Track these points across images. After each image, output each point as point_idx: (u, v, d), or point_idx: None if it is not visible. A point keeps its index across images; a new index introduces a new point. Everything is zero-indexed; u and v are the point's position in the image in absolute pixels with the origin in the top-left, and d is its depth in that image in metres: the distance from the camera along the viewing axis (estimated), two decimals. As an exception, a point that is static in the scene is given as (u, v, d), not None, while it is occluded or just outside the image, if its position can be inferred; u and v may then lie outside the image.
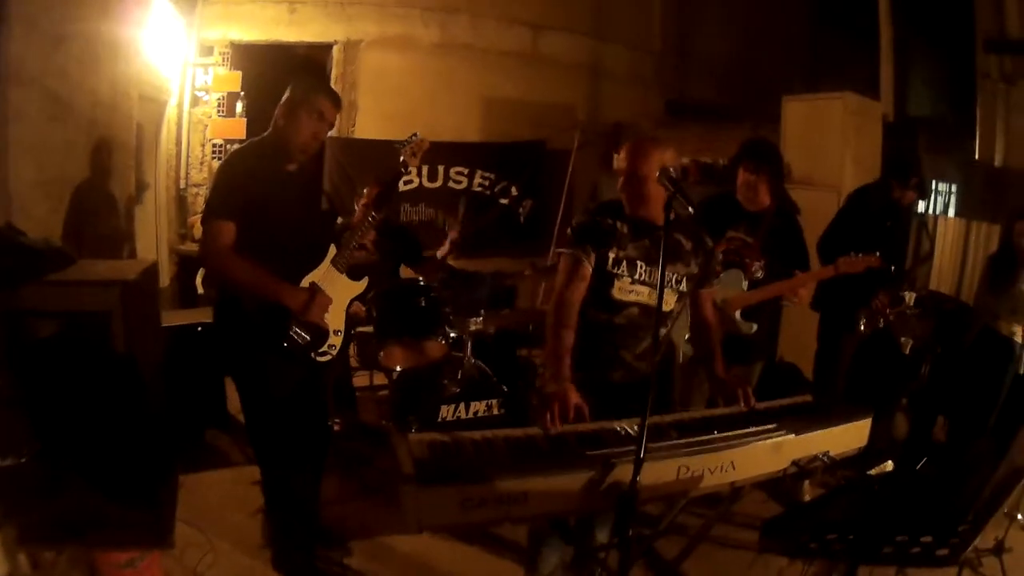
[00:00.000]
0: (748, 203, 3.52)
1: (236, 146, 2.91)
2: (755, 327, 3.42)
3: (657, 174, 2.22)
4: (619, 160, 2.54)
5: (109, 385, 2.79)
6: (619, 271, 2.49)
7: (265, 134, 2.77)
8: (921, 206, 7.28)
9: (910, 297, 4.58)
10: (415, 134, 3.11)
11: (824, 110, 5.72)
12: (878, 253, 3.48)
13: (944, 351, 4.54)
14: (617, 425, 2.13)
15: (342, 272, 2.88)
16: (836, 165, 5.50)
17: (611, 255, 2.49)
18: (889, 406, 4.54)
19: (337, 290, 2.85)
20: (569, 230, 2.60)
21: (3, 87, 3.15)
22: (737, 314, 3.42)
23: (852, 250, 3.50)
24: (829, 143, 5.59)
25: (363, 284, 3.03)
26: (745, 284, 3.43)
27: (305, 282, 2.76)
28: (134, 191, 5.24)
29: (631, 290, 2.50)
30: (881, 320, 4.13)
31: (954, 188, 7.71)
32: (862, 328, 4.18)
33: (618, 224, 2.51)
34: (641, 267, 2.50)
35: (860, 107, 5.76)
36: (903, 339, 4.49)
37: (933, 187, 7.71)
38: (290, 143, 2.71)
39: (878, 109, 6.17)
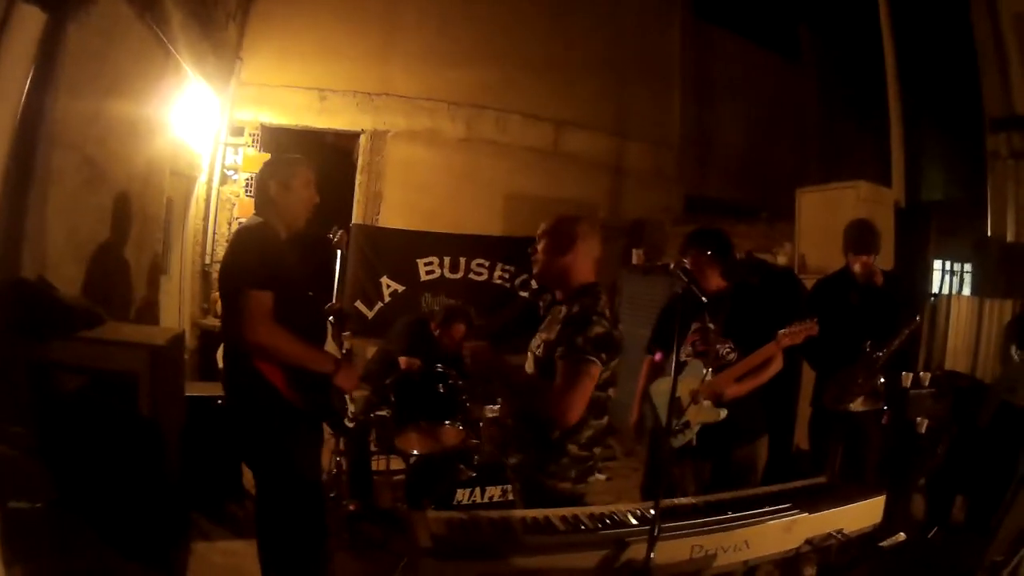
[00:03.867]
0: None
1: (242, 224, 2.95)
2: (724, 412, 3.32)
3: (672, 265, 2.31)
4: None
5: (130, 445, 2.84)
6: None
7: (258, 217, 2.84)
8: (935, 286, 7.33)
9: (925, 377, 4.56)
10: (336, 228, 3.50)
11: (838, 200, 5.77)
12: (816, 319, 3.41)
13: (961, 429, 4.49)
14: (631, 507, 2.15)
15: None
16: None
17: None
18: (906, 486, 4.47)
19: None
20: None
21: (45, 148, 3.25)
22: (706, 403, 3.33)
23: (818, 339, 3.47)
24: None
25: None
26: (707, 372, 3.34)
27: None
28: (160, 263, 5.39)
29: None
30: (854, 397, 4.03)
31: (968, 268, 7.75)
32: (836, 404, 4.09)
33: None
34: None
35: (873, 195, 5.81)
36: (919, 419, 4.45)
37: (947, 268, 7.74)
38: (291, 214, 2.86)
39: (891, 196, 6.25)
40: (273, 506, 2.78)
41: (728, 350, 3.43)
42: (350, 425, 2.97)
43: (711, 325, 3.43)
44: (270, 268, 2.63)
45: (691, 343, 3.47)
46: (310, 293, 2.90)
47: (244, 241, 2.78)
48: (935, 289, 7.16)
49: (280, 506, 2.75)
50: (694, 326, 3.48)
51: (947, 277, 7.78)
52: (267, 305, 2.56)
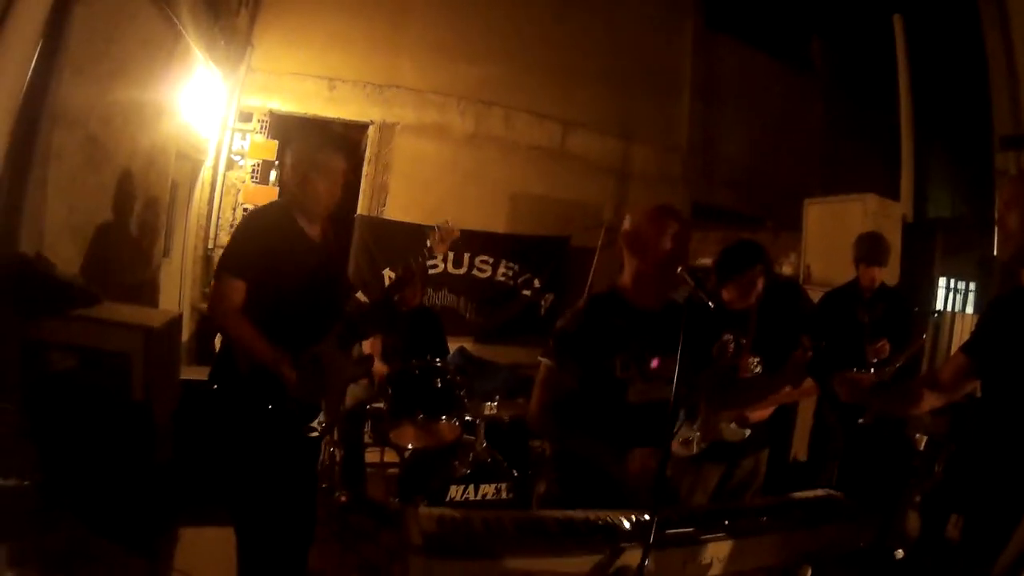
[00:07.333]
0: (736, 303, 3.41)
1: (254, 208, 2.99)
2: (747, 432, 3.23)
3: (679, 269, 2.21)
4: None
5: (120, 427, 2.81)
6: None
7: (280, 199, 2.87)
8: (939, 303, 7.29)
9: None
10: (447, 220, 3.08)
11: (845, 212, 5.79)
12: (873, 370, 3.37)
13: (959, 447, 4.45)
14: (627, 512, 2.11)
15: (345, 350, 2.89)
16: (857, 266, 5.48)
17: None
18: (902, 503, 4.43)
19: (335, 368, 2.80)
20: None
21: (47, 126, 3.23)
22: (732, 424, 3.22)
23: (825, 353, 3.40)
24: (849, 245, 5.62)
25: (364, 367, 3.03)
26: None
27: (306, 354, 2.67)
28: (162, 246, 5.36)
29: None
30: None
31: (972, 286, 7.73)
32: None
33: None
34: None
35: (880, 208, 5.81)
36: (917, 435, 4.42)
37: (952, 285, 7.72)
38: (306, 204, 2.76)
39: (898, 210, 6.23)
40: (238, 493, 2.73)
41: (755, 363, 3.34)
42: (309, 436, 2.75)
43: (742, 340, 3.27)
44: (252, 257, 2.61)
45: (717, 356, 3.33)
46: (319, 289, 2.75)
47: (241, 225, 2.83)
48: (939, 306, 7.15)
49: (244, 494, 2.69)
50: (725, 336, 3.25)
51: (951, 295, 7.76)
52: (235, 294, 2.56)
